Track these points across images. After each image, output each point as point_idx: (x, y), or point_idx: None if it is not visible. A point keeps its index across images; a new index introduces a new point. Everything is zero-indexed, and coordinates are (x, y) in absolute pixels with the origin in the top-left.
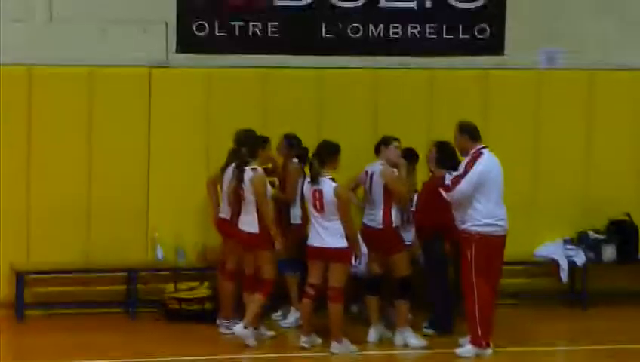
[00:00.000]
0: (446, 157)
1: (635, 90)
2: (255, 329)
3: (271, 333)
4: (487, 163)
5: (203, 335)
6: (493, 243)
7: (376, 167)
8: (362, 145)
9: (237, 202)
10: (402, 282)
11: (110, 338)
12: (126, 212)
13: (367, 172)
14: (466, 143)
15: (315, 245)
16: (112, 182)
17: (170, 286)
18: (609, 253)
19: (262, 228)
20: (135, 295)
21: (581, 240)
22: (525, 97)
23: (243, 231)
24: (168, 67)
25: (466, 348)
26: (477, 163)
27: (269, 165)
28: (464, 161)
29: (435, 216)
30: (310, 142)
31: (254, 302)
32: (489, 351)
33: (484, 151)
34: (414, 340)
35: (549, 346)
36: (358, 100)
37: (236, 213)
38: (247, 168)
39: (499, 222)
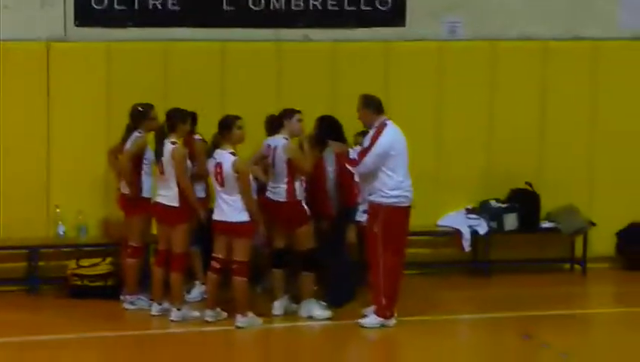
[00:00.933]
0: (326, 132)
1: (536, 60)
2: (178, 309)
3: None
4: (391, 135)
5: (107, 312)
6: (399, 214)
7: (279, 140)
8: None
9: (136, 175)
10: (307, 255)
11: (12, 316)
12: (26, 188)
13: (269, 145)
14: (369, 116)
15: (218, 219)
16: (12, 159)
17: (72, 263)
18: (511, 221)
19: (182, 202)
20: (37, 272)
21: (483, 209)
22: (427, 68)
23: (161, 205)
24: (67, 41)
25: (370, 319)
26: (381, 136)
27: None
28: (369, 134)
29: (320, 194)
30: (213, 116)
31: (174, 282)
32: (393, 320)
33: (388, 123)
34: (319, 311)
35: (453, 314)
36: (260, 73)
37: (138, 187)
38: (166, 141)
39: (405, 193)
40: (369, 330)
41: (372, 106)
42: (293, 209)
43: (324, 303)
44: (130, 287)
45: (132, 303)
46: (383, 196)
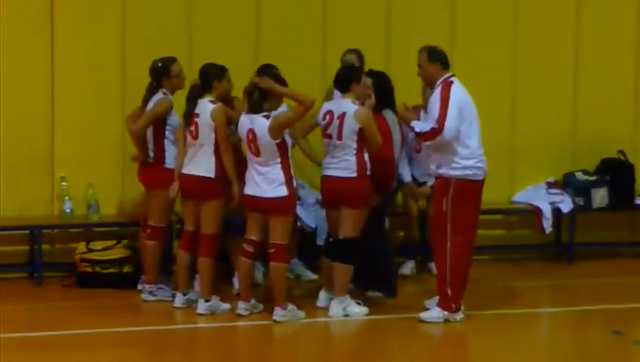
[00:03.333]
0: (385, 94)
1: (629, 4)
2: (207, 301)
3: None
4: (462, 94)
5: (122, 304)
6: (472, 189)
7: (347, 105)
8: (310, 70)
9: (159, 142)
10: (350, 243)
11: (11, 308)
12: (27, 157)
13: (330, 111)
14: (436, 72)
15: (251, 194)
16: (9, 122)
17: (81, 246)
18: (600, 197)
19: (218, 173)
20: (39, 257)
21: (568, 183)
22: (501, 15)
23: (191, 176)
24: None
25: (433, 312)
26: (451, 95)
27: None
28: (434, 92)
29: (385, 166)
30: (246, 73)
31: (203, 268)
32: (460, 314)
33: (454, 80)
34: (356, 308)
35: (531, 307)
36: (302, 22)
37: (162, 155)
38: (202, 101)
39: (479, 164)
40: (431, 326)
41: (440, 60)
42: (362, 186)
43: (378, 293)
44: (149, 275)
45: (152, 293)
46: (454, 168)
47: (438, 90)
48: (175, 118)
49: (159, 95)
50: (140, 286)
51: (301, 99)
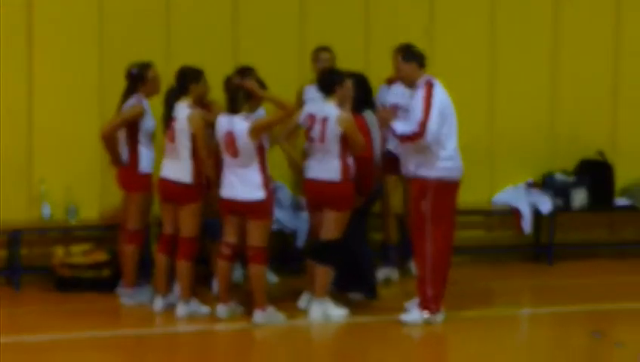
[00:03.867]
0: (364, 95)
1: (604, 9)
2: (186, 303)
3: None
4: (443, 96)
5: (101, 307)
6: (450, 189)
7: (329, 109)
8: (288, 71)
9: (133, 146)
10: (331, 245)
11: None
12: (4, 160)
13: (312, 114)
14: (414, 72)
15: (228, 197)
16: None
17: (59, 250)
18: (579, 198)
19: (194, 178)
20: (18, 261)
21: (547, 183)
22: (478, 11)
23: (168, 180)
24: None
25: (413, 314)
26: (433, 97)
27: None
28: (416, 94)
29: (366, 166)
30: (225, 72)
31: (181, 271)
32: (440, 316)
33: (435, 81)
34: (336, 311)
35: (511, 308)
36: (280, 22)
37: (137, 159)
38: (179, 105)
39: (457, 165)
40: (412, 327)
41: (415, 60)
42: (345, 189)
43: (359, 294)
44: (128, 278)
45: (131, 297)
46: (432, 168)
47: (420, 92)
48: (149, 122)
49: (133, 100)
50: (118, 290)
51: (283, 104)
